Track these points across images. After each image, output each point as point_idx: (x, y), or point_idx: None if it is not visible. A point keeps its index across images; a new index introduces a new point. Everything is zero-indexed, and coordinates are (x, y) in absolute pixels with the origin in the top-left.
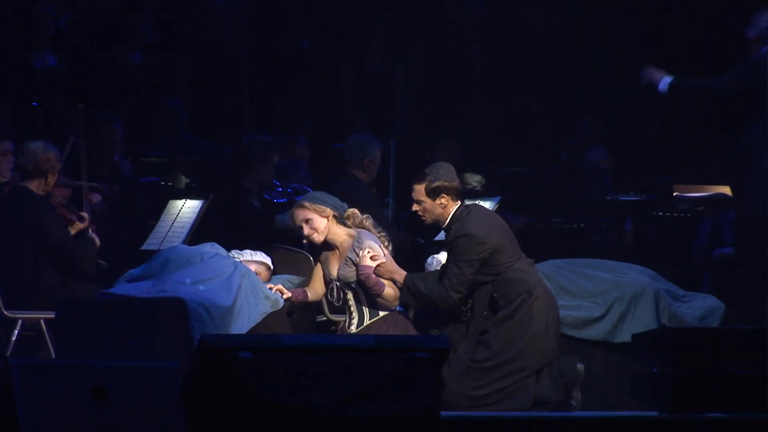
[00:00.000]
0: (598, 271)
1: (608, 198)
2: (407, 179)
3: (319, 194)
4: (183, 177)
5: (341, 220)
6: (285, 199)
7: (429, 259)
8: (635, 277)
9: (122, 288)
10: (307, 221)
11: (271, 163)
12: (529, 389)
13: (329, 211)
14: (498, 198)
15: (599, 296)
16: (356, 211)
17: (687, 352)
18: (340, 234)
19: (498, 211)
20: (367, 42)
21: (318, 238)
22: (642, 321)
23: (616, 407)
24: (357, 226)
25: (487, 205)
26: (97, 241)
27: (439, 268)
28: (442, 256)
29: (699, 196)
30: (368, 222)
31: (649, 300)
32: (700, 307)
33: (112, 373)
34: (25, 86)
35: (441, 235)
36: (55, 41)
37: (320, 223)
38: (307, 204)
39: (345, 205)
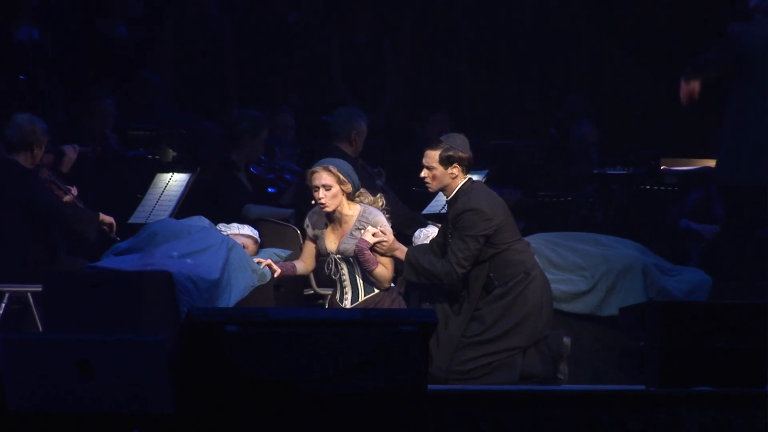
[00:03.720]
0: (585, 244)
1: (595, 171)
2: (397, 153)
3: (346, 165)
4: (170, 150)
5: (351, 196)
6: (272, 175)
7: (416, 233)
8: (623, 250)
9: (109, 261)
10: (326, 186)
11: (260, 138)
12: (516, 363)
13: (349, 186)
14: (485, 171)
15: (587, 270)
16: (366, 191)
17: (674, 326)
18: (346, 209)
19: (485, 184)
20: (354, 15)
21: (329, 207)
22: (630, 295)
23: (603, 381)
24: (368, 204)
25: (474, 178)
26: (104, 217)
27: (427, 241)
28: (430, 230)
29: (686, 170)
30: (380, 202)
31: (637, 274)
32: (687, 280)
33: (98, 347)
34: (9, 60)
35: (428, 209)
36: (40, 15)
37: (338, 194)
38: (333, 169)
39: (359, 184)
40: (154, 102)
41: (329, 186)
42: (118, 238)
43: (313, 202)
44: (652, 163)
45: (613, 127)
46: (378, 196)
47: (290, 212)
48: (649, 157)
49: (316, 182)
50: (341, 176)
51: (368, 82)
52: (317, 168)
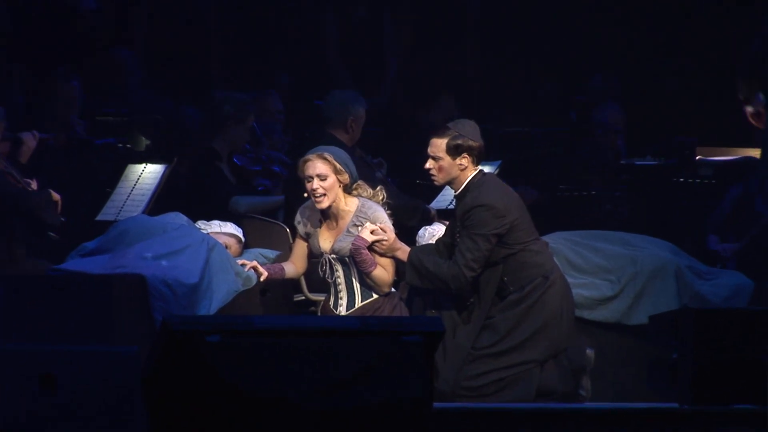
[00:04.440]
0: (611, 244)
1: (622, 162)
2: (399, 142)
3: (343, 154)
4: (143, 138)
5: (348, 189)
6: (259, 166)
7: (421, 231)
8: (653, 251)
9: (75, 263)
10: (321, 176)
11: (245, 123)
12: (533, 378)
13: (346, 177)
14: (498, 162)
15: (612, 273)
16: (364, 183)
17: (711, 336)
18: (343, 204)
19: (498, 176)
20: None
21: (325, 201)
22: (661, 300)
23: (630, 398)
24: (367, 198)
25: (485, 170)
26: (55, 195)
27: (433, 241)
28: (436, 228)
29: (725, 161)
30: (381, 195)
31: (669, 277)
32: (726, 285)
33: (63, 359)
34: None
35: (434, 204)
36: None
37: (334, 185)
38: (329, 157)
39: (357, 175)
40: (125, 83)
41: (324, 176)
42: (63, 219)
43: (305, 194)
44: (686, 152)
45: (641, 111)
46: (378, 189)
47: (281, 199)
48: (683, 145)
49: (310, 172)
50: (338, 165)
51: (367, 61)
52: (310, 156)
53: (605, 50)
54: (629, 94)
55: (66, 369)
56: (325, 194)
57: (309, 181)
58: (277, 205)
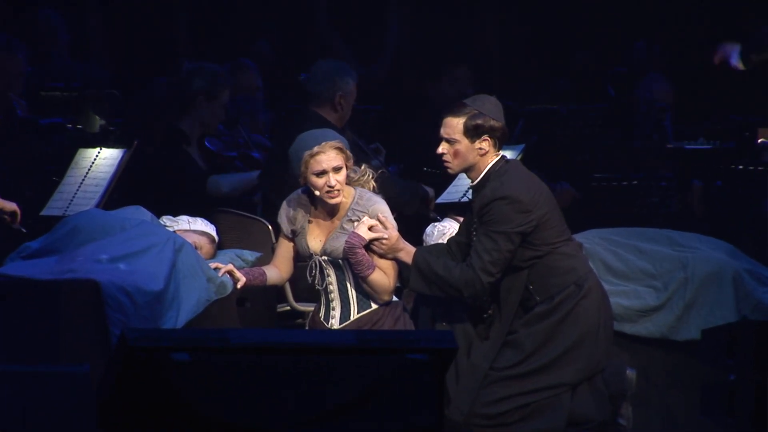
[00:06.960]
0: (656, 244)
1: (669, 146)
2: (401, 121)
3: (343, 138)
4: (97, 117)
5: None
6: (235, 152)
7: (429, 228)
8: (707, 252)
9: (16, 267)
10: (337, 169)
11: (219, 101)
12: (563, 405)
13: (351, 165)
14: (521, 146)
15: (658, 278)
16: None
17: None
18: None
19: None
20: None
21: (340, 197)
22: (716, 312)
23: (679, 427)
24: (361, 186)
25: (506, 155)
26: (3, 203)
27: (443, 240)
28: (447, 225)
29: None
30: (368, 174)
31: (726, 284)
32: None
33: (2, 380)
34: None
35: (444, 196)
36: None
37: (346, 177)
38: (342, 146)
39: None
40: (50, 51)
41: (340, 167)
42: (24, 230)
43: (317, 192)
44: (745, 133)
45: (691, 85)
46: (362, 168)
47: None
48: (742, 125)
49: (324, 166)
50: (348, 153)
51: (364, 23)
52: (321, 148)
53: (648, 13)
54: (677, 64)
55: (5, 391)
56: (341, 189)
57: (321, 176)
58: (254, 183)
